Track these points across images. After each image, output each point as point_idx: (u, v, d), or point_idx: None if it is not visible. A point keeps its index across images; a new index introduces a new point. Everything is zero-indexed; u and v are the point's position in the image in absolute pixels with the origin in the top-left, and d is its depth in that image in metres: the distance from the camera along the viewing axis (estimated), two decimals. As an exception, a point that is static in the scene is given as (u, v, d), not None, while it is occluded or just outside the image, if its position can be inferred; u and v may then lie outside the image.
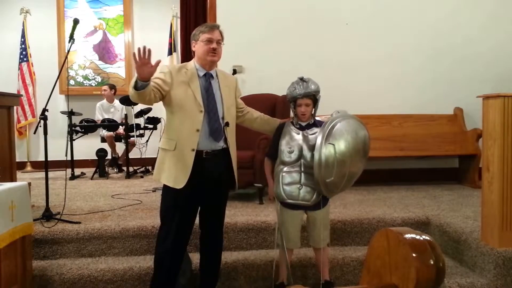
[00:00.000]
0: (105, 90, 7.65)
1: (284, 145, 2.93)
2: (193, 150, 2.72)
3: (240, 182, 3.07)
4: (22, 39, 8.00)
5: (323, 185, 2.82)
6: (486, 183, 3.12)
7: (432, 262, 1.19)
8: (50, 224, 3.61)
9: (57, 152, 5.32)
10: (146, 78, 2.52)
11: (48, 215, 3.74)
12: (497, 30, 5.86)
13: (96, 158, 6.79)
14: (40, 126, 3.89)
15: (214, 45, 2.78)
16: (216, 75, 2.91)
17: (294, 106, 2.97)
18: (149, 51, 2.47)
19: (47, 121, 3.92)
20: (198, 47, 2.84)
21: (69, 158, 6.30)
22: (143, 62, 2.47)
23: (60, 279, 3.17)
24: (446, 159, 5.79)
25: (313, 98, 2.94)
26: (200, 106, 2.75)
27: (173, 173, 2.76)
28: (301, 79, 2.96)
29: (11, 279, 2.79)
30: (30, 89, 7.99)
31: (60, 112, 7.21)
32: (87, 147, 7.43)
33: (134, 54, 2.47)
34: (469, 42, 5.82)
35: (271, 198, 3.07)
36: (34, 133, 4.59)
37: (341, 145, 2.77)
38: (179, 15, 7.81)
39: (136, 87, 2.55)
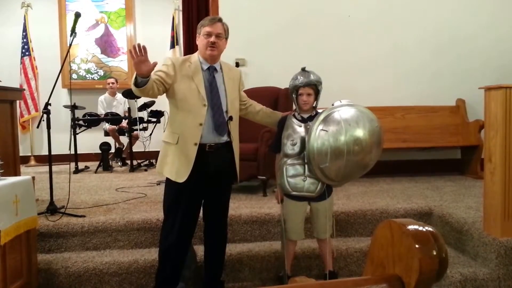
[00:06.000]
0: (113, 83, 7.66)
1: (286, 138, 2.93)
2: (195, 144, 2.71)
3: (244, 175, 3.07)
4: (24, 33, 8.00)
5: (318, 171, 2.79)
6: (488, 174, 3.12)
7: (435, 253, 1.19)
8: (54, 218, 3.63)
9: (61, 146, 5.37)
10: (145, 75, 2.51)
11: (52, 209, 3.76)
12: (500, 23, 5.84)
13: (100, 151, 6.82)
14: (43, 120, 3.90)
15: (212, 39, 2.75)
16: (221, 68, 2.89)
17: (296, 96, 2.97)
18: (144, 48, 2.45)
19: (50, 115, 3.93)
20: (199, 40, 2.83)
21: (72, 152, 6.32)
22: (140, 60, 2.44)
23: (66, 272, 3.19)
24: (449, 150, 5.79)
25: (315, 88, 2.94)
26: (204, 100, 2.74)
27: (175, 167, 2.75)
28: (303, 69, 2.97)
29: (17, 272, 2.81)
30: (32, 83, 8.00)
31: (63, 106, 7.22)
32: (90, 141, 7.46)
33: (130, 51, 2.45)
34: (472, 35, 5.81)
35: (278, 201, 3.08)
36: (37, 127, 4.61)
37: (336, 132, 2.71)
38: (181, 8, 7.78)
39: (136, 84, 2.55)
